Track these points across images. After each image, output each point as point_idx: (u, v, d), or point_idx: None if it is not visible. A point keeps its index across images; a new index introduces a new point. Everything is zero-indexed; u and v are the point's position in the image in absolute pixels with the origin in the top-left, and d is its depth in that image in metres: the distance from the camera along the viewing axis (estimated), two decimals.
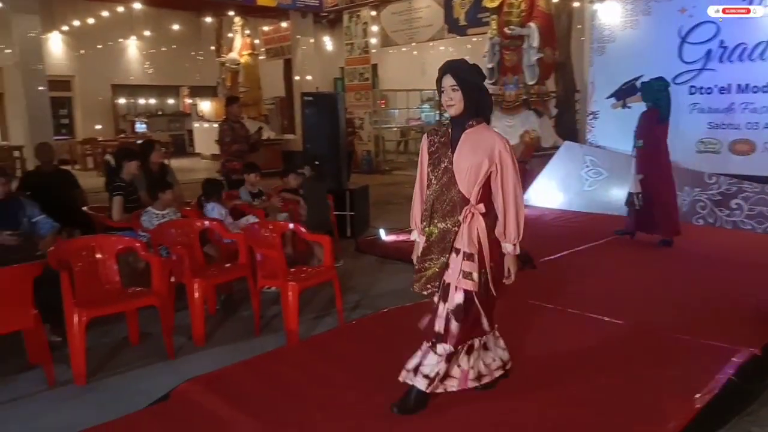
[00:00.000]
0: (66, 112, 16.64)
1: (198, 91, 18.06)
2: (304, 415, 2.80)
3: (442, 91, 2.64)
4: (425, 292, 2.74)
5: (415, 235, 2.85)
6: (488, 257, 2.66)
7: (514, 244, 2.66)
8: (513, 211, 2.62)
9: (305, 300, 4.50)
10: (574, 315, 4.07)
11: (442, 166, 2.66)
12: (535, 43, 8.23)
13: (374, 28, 13.33)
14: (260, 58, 15.16)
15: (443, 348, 2.69)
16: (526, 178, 8.40)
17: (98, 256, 3.78)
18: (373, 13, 13.25)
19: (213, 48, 16.60)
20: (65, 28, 15.12)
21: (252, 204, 5.69)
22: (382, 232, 6.42)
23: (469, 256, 2.62)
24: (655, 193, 5.72)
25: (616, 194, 6.48)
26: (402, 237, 6.51)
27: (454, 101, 2.61)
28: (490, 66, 8.89)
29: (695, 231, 6.53)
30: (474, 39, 12.94)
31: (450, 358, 2.72)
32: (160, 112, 18.67)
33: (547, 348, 3.54)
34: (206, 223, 4.62)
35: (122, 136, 16.25)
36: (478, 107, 2.66)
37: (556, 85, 9.55)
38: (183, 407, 2.93)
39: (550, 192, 8.09)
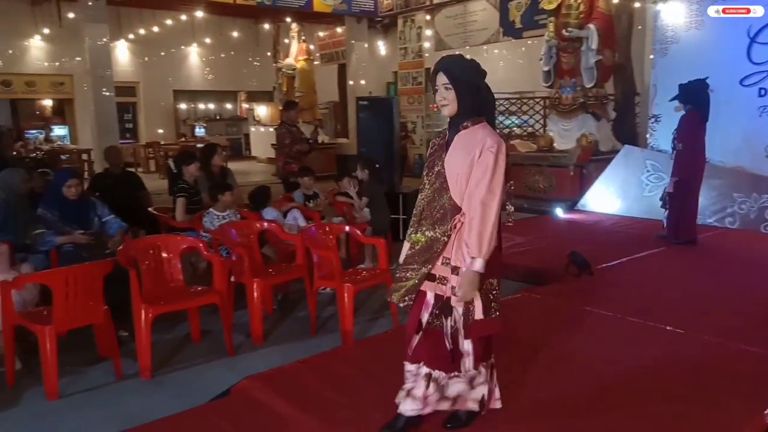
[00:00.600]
0: (130, 116, 17.33)
1: (255, 96, 18.49)
2: (360, 414, 2.83)
3: (436, 90, 2.46)
4: (402, 305, 2.52)
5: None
6: None
7: (473, 258, 2.32)
8: (478, 218, 2.33)
9: (359, 301, 4.55)
10: (634, 323, 3.96)
11: (436, 169, 2.49)
12: (594, 44, 8.06)
13: (428, 32, 13.34)
14: (315, 63, 15.40)
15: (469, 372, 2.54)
16: (582, 182, 8.25)
17: (164, 255, 3.93)
18: (428, 17, 13.26)
19: (270, 54, 16.96)
20: (131, 36, 15.76)
21: (306, 206, 5.80)
22: None
23: (454, 270, 2.42)
24: (687, 193, 5.78)
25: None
26: None
27: (448, 100, 2.42)
28: (546, 69, 8.78)
29: (763, 239, 6.25)
30: (529, 42, 12.78)
31: (472, 381, 2.56)
32: (218, 117, 19.20)
33: (606, 358, 3.46)
34: (264, 224, 4.74)
35: (183, 140, 16.80)
36: (478, 107, 2.46)
37: (615, 87, 9.33)
38: (243, 403, 3.02)
39: (607, 197, 7.90)
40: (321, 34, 16.27)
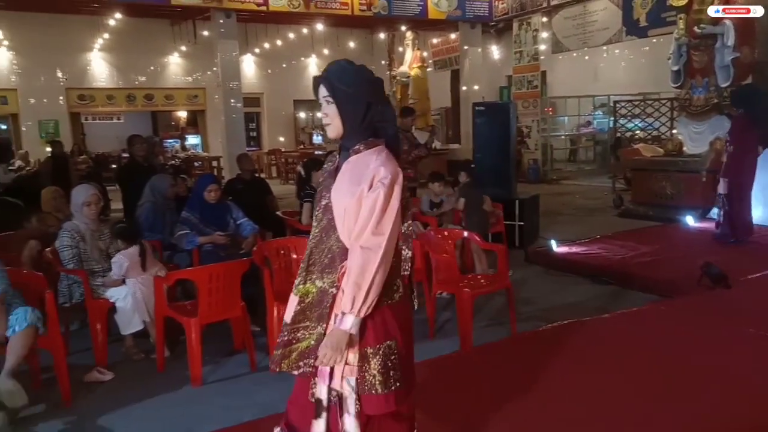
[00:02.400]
0: (254, 125, 18.45)
1: None
2: (480, 418, 2.85)
3: (321, 105, 2.02)
4: (295, 372, 2.00)
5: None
6: (373, 333, 1.92)
7: (344, 313, 1.87)
8: (356, 267, 1.85)
9: (476, 307, 4.56)
10: None
11: (323, 203, 2.01)
12: (731, 41, 7.50)
13: (544, 35, 13.05)
14: (428, 70, 15.55)
15: None
16: (716, 189, 7.67)
17: (293, 256, 4.17)
18: (544, 19, 12.98)
19: (384, 62, 17.34)
20: (257, 50, 16.77)
21: (430, 213, 5.84)
22: (553, 243, 6.27)
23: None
24: (742, 194, 6.05)
25: None
26: (574, 249, 6.31)
27: (330, 117, 1.96)
28: (675, 68, 8.29)
29: None
30: (654, 40, 12.15)
31: None
32: None
33: (746, 377, 3.22)
34: None
35: (301, 147, 17.61)
36: (373, 128, 1.97)
37: None
38: None
39: None
40: (434, 41, 16.42)
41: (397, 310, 1.97)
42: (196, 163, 14.31)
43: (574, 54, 14.40)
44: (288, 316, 2.06)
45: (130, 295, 3.87)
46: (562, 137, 15.93)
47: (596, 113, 16.15)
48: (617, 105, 12.08)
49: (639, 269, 5.45)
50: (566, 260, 5.99)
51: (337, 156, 2.05)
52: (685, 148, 8.31)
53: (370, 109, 1.96)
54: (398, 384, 1.94)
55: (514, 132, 7.40)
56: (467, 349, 3.87)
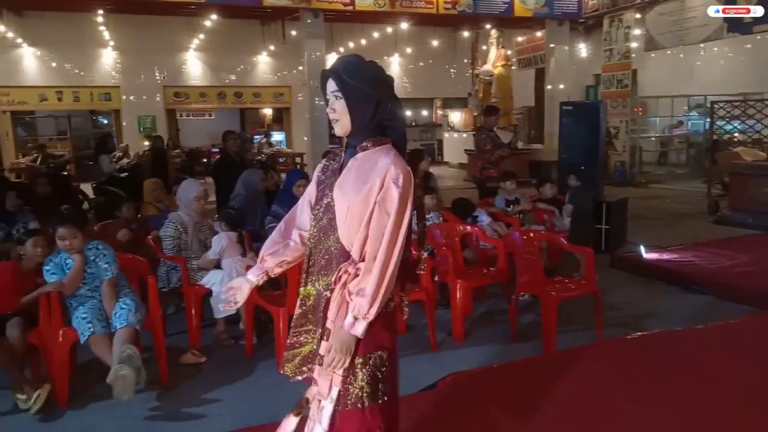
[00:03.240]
0: None
1: (449, 103, 18.91)
2: (563, 423, 2.81)
3: (327, 100, 1.95)
4: (299, 377, 2.00)
5: (251, 275, 2.12)
6: (363, 342, 1.86)
7: (356, 318, 1.81)
8: (375, 271, 1.79)
9: (561, 311, 4.47)
10: None
11: (324, 201, 1.94)
12: None
13: (637, 32, 12.53)
14: (512, 68, 15.30)
15: None
16: None
17: None
18: (638, 15, 12.46)
19: (466, 61, 17.24)
20: (341, 49, 17.06)
21: (506, 211, 5.81)
22: (642, 249, 6.03)
23: (325, 333, 1.90)
24: None
25: None
26: (665, 256, 6.05)
27: (338, 113, 1.90)
28: None
29: None
30: (758, 37, 11.38)
31: None
32: (413, 123, 20.00)
33: None
34: (467, 228, 4.87)
35: None
36: (381, 126, 1.92)
37: None
38: (448, 397, 3.17)
39: None
40: (519, 39, 16.12)
41: (390, 320, 1.90)
42: (280, 159, 14.79)
43: (668, 52, 13.74)
44: (294, 319, 2.06)
45: (226, 276, 4.06)
46: (652, 139, 15.24)
47: (691, 114, 15.33)
48: (715, 106, 11.43)
49: (737, 279, 5.16)
50: (656, 267, 5.75)
51: (342, 153, 2.00)
52: None
53: (380, 106, 1.92)
54: (386, 398, 1.90)
55: (603, 133, 7.19)
56: (551, 353, 3.81)
